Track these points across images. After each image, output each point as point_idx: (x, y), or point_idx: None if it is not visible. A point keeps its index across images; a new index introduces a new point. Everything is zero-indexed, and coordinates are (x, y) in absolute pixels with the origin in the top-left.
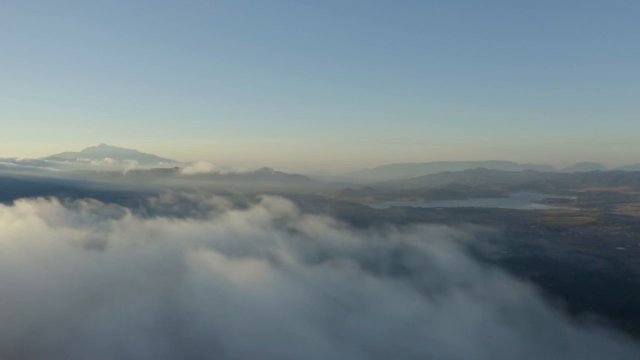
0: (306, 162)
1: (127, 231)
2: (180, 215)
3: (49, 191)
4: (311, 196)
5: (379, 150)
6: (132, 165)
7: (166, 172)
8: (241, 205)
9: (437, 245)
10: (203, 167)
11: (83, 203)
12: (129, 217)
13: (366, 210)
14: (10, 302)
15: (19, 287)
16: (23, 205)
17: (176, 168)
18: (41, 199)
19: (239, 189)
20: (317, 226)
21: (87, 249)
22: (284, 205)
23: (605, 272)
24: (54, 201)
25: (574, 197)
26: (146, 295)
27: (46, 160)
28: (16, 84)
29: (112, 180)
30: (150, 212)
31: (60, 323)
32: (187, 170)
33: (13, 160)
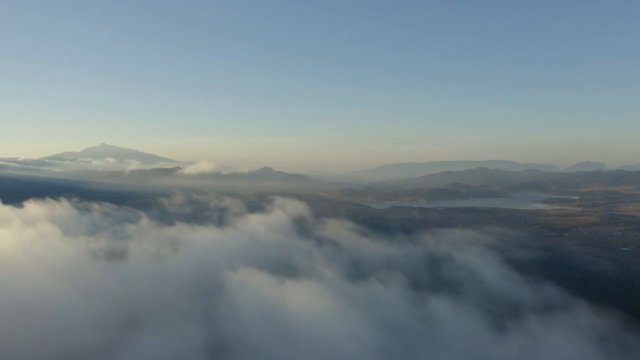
0: (307, 162)
1: (147, 238)
2: (196, 218)
3: (55, 192)
4: (312, 196)
5: (379, 150)
6: (134, 165)
7: (168, 172)
8: (253, 208)
9: (471, 253)
10: (205, 167)
11: (94, 205)
12: (145, 221)
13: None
14: (32, 327)
15: (41, 308)
16: (32, 207)
17: (177, 168)
18: (50, 200)
19: (242, 189)
20: (341, 232)
21: (110, 260)
22: (297, 208)
23: (610, 273)
24: (65, 203)
25: (576, 197)
26: (186, 319)
27: (47, 160)
28: (16, 84)
29: (115, 180)
30: (165, 216)
31: (93, 354)
32: (189, 170)
33: (15, 160)
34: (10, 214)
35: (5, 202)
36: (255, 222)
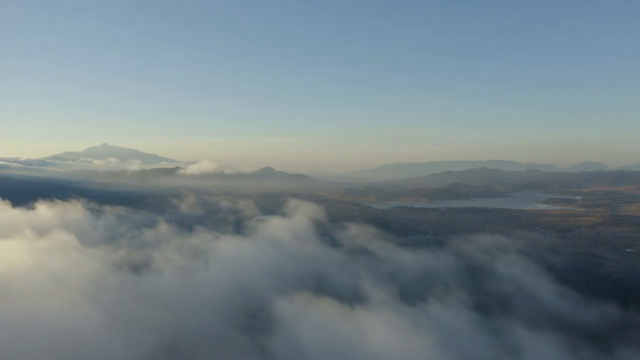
0: (308, 162)
1: (170, 247)
2: (212, 221)
3: (62, 192)
4: (313, 196)
5: (380, 149)
6: (137, 165)
7: (170, 171)
8: (267, 210)
9: (508, 262)
10: (207, 166)
11: (107, 208)
12: (163, 227)
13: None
14: None
15: (70, 340)
16: (43, 210)
17: (177, 168)
18: (59, 202)
19: (245, 189)
20: (366, 238)
21: (137, 274)
22: (312, 210)
23: (617, 275)
24: (76, 205)
25: (579, 197)
26: (237, 352)
27: (49, 160)
28: (16, 84)
29: (119, 180)
30: (181, 219)
31: None
32: (191, 170)
33: (17, 160)
34: (21, 218)
35: (13, 204)
36: (276, 227)
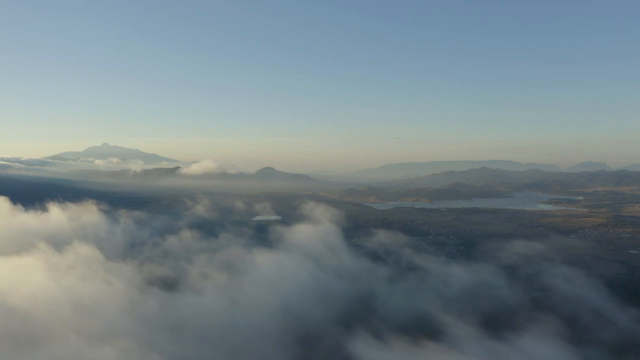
0: (310, 162)
1: (202, 260)
2: (233, 224)
3: (69, 193)
4: (313, 196)
5: (383, 149)
6: (140, 164)
7: (172, 171)
8: (285, 213)
9: (564, 275)
10: (209, 166)
11: (121, 211)
12: (187, 234)
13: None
14: None
15: None
16: (56, 215)
17: (178, 167)
18: (70, 205)
19: (248, 189)
20: (403, 248)
21: (177, 299)
22: (334, 214)
23: (623, 278)
24: (89, 208)
25: (581, 198)
26: None
27: (50, 160)
28: (15, 83)
29: (125, 180)
30: (202, 224)
31: None
32: (194, 170)
33: (18, 160)
34: (33, 224)
35: (22, 206)
36: (304, 235)
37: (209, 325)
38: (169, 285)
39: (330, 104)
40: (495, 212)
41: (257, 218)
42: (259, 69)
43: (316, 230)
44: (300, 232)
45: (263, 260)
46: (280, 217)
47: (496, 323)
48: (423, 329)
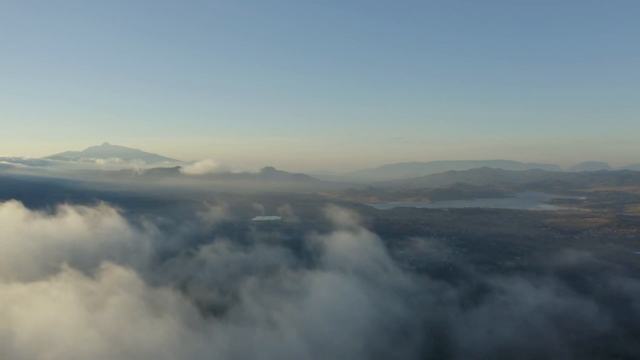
0: (310, 162)
1: (251, 282)
2: (264, 230)
3: (77, 194)
4: (314, 196)
5: (383, 149)
6: (141, 164)
7: (174, 171)
8: (309, 216)
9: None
10: (212, 165)
11: (141, 216)
12: (220, 244)
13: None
14: None
15: None
16: (72, 221)
17: (179, 167)
18: (84, 208)
19: (249, 189)
20: (450, 257)
21: (244, 339)
22: (362, 219)
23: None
24: (109, 213)
25: (583, 198)
26: None
27: (50, 160)
28: (15, 83)
29: (129, 180)
30: (231, 231)
31: None
32: (196, 170)
33: (20, 160)
34: (53, 234)
35: (35, 208)
36: (346, 247)
37: None
38: (221, 312)
39: (330, 104)
40: (497, 213)
41: (257, 218)
42: (259, 69)
43: (355, 240)
44: (339, 242)
45: (317, 281)
46: (305, 220)
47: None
48: None
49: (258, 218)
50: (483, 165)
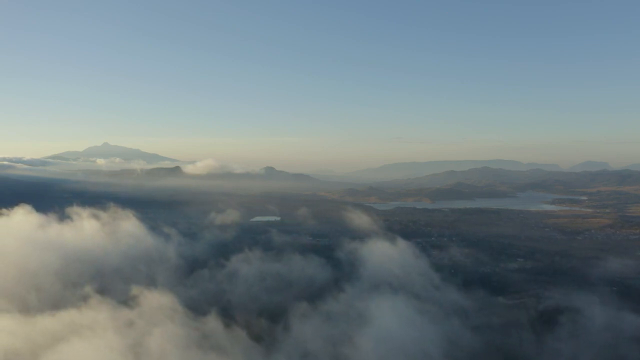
0: (310, 162)
1: (302, 308)
2: (289, 235)
3: (82, 194)
4: (314, 196)
5: (383, 149)
6: (141, 164)
7: (174, 171)
8: (329, 221)
9: None
10: (213, 165)
11: (160, 223)
12: (250, 254)
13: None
14: None
15: None
16: (89, 228)
17: (179, 167)
18: (94, 211)
19: (250, 189)
20: (484, 265)
21: None
22: (393, 224)
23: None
24: (124, 215)
25: (584, 198)
26: None
27: (50, 160)
28: (15, 83)
29: (132, 180)
30: (255, 238)
31: None
32: (198, 169)
33: (21, 160)
34: (71, 244)
35: (41, 210)
36: (388, 259)
37: None
38: (274, 344)
39: (330, 104)
40: (498, 213)
41: (257, 219)
42: (259, 69)
43: (387, 247)
44: (372, 250)
45: (371, 302)
46: (324, 225)
47: None
48: None
49: (270, 218)
50: (483, 165)
